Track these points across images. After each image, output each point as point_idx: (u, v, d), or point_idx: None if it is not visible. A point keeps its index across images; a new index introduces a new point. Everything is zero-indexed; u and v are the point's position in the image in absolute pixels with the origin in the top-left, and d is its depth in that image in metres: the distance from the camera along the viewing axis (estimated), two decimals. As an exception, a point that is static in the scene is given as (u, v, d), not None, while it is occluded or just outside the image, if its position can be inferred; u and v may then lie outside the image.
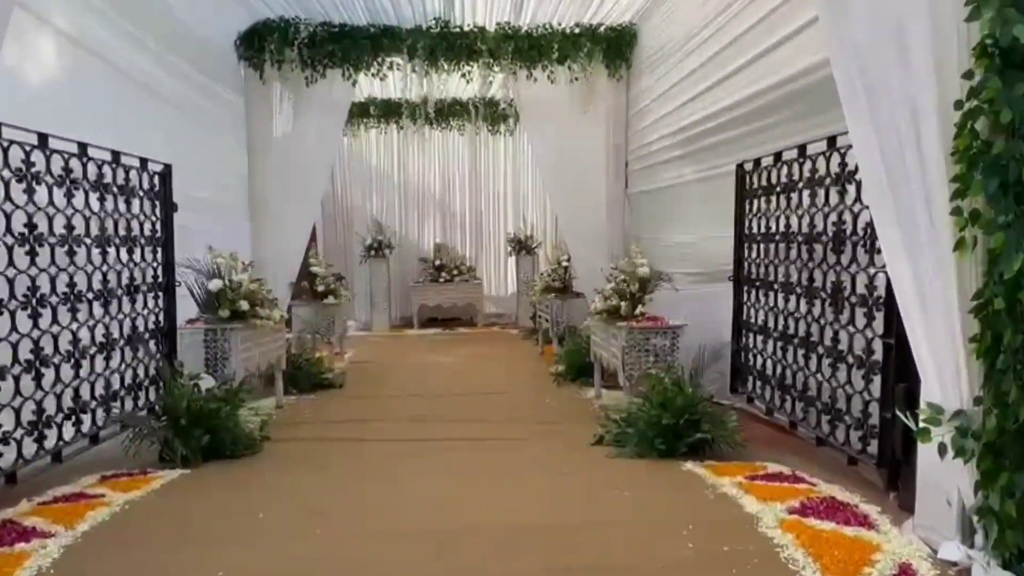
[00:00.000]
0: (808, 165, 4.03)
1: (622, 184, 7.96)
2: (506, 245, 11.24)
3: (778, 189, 4.44)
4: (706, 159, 6.02)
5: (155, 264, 4.71)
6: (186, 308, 5.25)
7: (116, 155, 4.21)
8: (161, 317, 4.80)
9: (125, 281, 4.34)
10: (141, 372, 4.54)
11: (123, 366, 4.32)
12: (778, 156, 4.43)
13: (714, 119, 5.71)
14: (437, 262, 10.96)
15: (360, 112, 10.72)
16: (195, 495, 3.66)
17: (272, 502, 3.54)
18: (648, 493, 3.59)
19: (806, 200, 4.07)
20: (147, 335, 4.59)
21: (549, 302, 8.04)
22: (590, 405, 5.97)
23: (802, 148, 4.11)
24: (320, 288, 7.61)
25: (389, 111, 10.79)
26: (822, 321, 3.90)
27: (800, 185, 4.14)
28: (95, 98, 4.59)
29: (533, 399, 6.22)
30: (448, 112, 10.84)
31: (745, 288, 5.00)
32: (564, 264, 8.15)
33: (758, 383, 4.77)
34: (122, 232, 4.31)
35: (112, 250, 4.20)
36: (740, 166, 5.00)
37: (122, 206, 4.31)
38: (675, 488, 3.66)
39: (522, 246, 10.92)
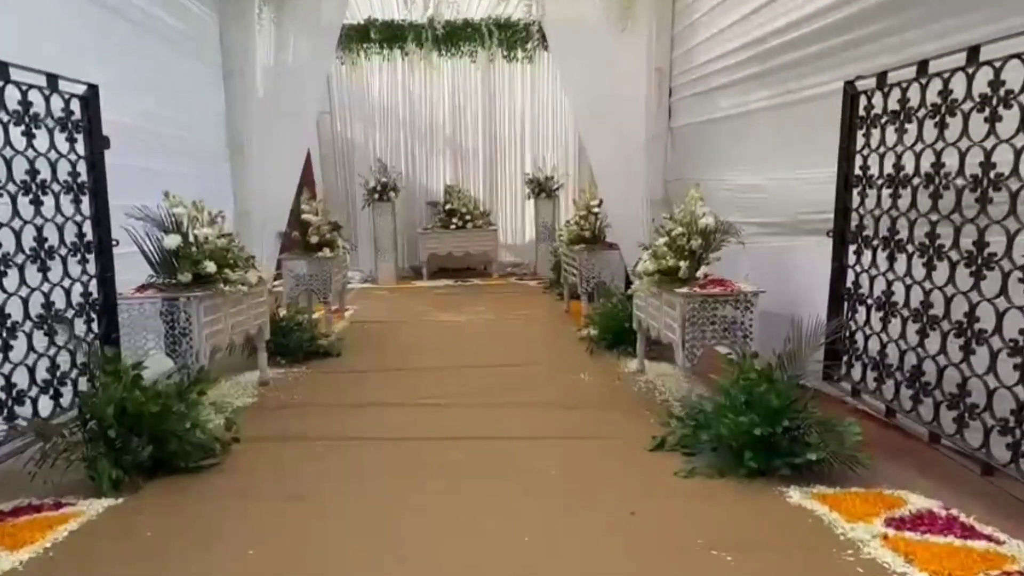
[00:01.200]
0: (986, 75, 2.72)
1: (665, 116, 6.59)
2: (524, 187, 9.93)
3: (919, 113, 3.12)
4: (784, 81, 4.66)
5: (79, 218, 3.47)
6: (136, 272, 4.06)
7: (2, 67, 2.93)
8: (93, 287, 3.59)
9: (30, 243, 3.12)
10: (66, 362, 3.37)
11: (33, 356, 3.14)
12: (923, 66, 3.11)
13: (799, 27, 4.34)
14: (448, 206, 9.69)
15: (359, 36, 9.30)
16: (104, 558, 2.48)
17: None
18: (763, 558, 2.41)
19: (978, 127, 2.78)
20: (72, 312, 3.40)
21: (577, 254, 6.80)
22: (634, 383, 4.82)
23: (973, 51, 2.79)
24: (313, 239, 6.38)
25: (392, 35, 9.37)
26: (1001, 303, 2.66)
27: (967, 106, 2.83)
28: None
29: (564, 374, 5.07)
30: (458, 36, 9.40)
31: (854, 247, 3.73)
32: (594, 210, 6.87)
33: (871, 373, 3.57)
34: (22, 176, 3.07)
35: (3, 199, 2.97)
36: (851, 84, 3.67)
37: (19, 140, 3.06)
38: (796, 546, 2.48)
39: (542, 188, 9.62)
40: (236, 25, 6.03)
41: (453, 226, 9.60)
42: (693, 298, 4.10)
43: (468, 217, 9.63)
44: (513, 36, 9.49)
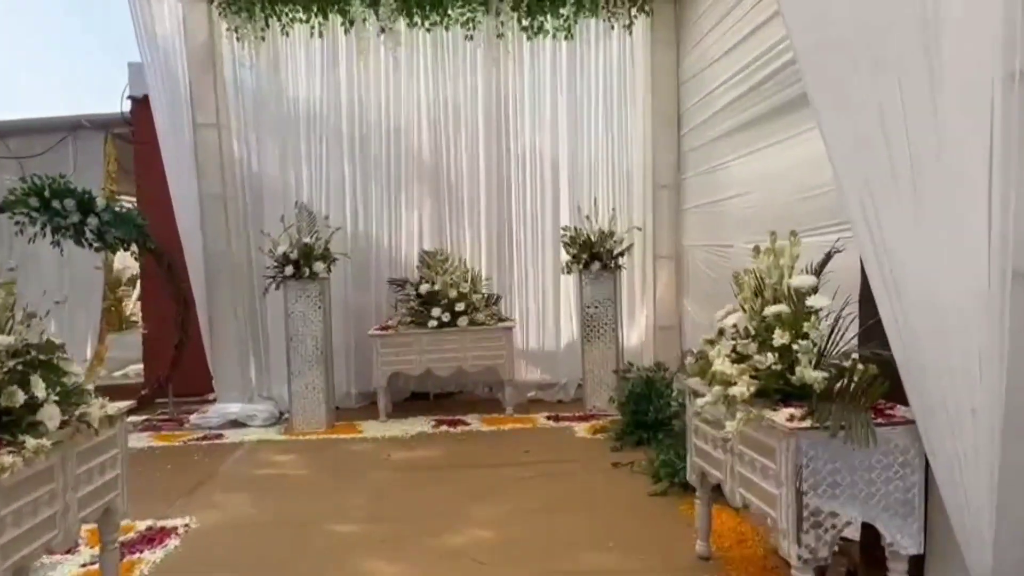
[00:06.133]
0: None
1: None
2: (557, 251, 5.35)
3: None
4: None
5: None
6: None
7: None
8: None
9: None
10: None
11: None
12: None
13: None
14: (424, 287, 5.07)
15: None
16: None
17: None
18: None
19: None
20: None
21: (758, 440, 2.11)
22: None
23: None
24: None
25: (325, -12, 4.99)
26: None
27: None
28: None
29: None
30: (443, -10, 5.04)
31: None
32: (811, 307, 2.21)
33: None
34: None
35: None
36: None
37: None
38: None
39: (592, 253, 5.03)
40: None
41: (434, 322, 4.95)
42: None
43: (461, 306, 4.99)
44: (538, -6, 5.14)
